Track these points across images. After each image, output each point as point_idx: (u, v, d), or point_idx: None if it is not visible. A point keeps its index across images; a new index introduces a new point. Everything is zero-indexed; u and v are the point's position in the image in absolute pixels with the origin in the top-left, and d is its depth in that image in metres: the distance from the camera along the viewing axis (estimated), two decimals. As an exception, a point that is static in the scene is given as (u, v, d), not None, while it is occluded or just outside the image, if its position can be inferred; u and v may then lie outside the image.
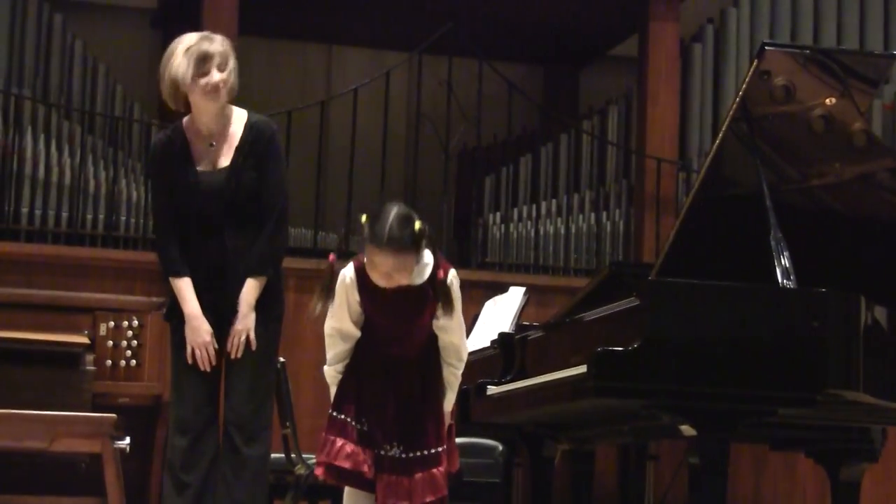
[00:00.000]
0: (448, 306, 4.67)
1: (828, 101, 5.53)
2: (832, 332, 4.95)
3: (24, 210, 7.94)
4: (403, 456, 4.64)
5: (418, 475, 4.63)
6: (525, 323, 6.11)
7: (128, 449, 6.11)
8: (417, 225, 4.61)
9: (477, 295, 7.17)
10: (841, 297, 5.00)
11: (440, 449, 4.67)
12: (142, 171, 8.16)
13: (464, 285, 7.97)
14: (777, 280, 5.18)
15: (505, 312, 6.84)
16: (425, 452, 4.66)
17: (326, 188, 8.52)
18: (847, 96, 5.52)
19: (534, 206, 8.77)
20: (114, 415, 6.24)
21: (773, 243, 5.27)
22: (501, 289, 7.45)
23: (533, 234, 8.65)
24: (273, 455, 6.29)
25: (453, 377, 4.78)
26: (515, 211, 8.78)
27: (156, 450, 7.22)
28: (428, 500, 4.64)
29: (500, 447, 5.35)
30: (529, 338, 5.88)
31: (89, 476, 6.77)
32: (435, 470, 4.65)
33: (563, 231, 8.73)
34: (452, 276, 4.75)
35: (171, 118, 8.37)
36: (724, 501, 4.94)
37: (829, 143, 5.59)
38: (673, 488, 6.29)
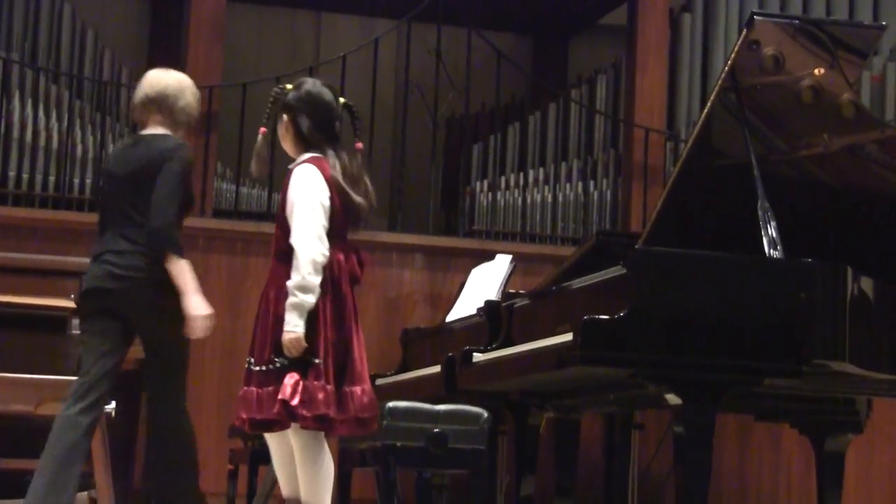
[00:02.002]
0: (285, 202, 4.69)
1: (817, 71, 5.53)
2: (819, 303, 4.96)
3: (11, 174, 7.93)
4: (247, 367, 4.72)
5: (243, 390, 4.69)
6: (511, 291, 6.11)
7: (113, 413, 6.10)
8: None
9: (464, 263, 7.19)
10: (828, 267, 5.02)
11: (258, 368, 4.66)
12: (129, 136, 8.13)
13: (451, 253, 8.06)
14: (764, 250, 5.19)
15: (491, 280, 6.85)
16: (254, 368, 4.67)
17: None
18: (836, 67, 5.52)
19: (521, 175, 8.77)
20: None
21: (760, 214, 5.27)
22: (488, 257, 7.47)
23: (520, 202, 8.65)
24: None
25: (289, 293, 4.66)
26: (503, 179, 8.77)
27: (141, 415, 7.22)
28: (241, 415, 4.66)
29: (486, 415, 5.36)
30: (516, 306, 5.89)
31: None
32: (250, 388, 4.66)
33: (550, 200, 8.73)
34: (302, 170, 4.76)
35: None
36: (708, 471, 4.95)
37: (818, 113, 5.60)
38: (658, 458, 6.32)
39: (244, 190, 8.48)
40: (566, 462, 6.17)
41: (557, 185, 8.77)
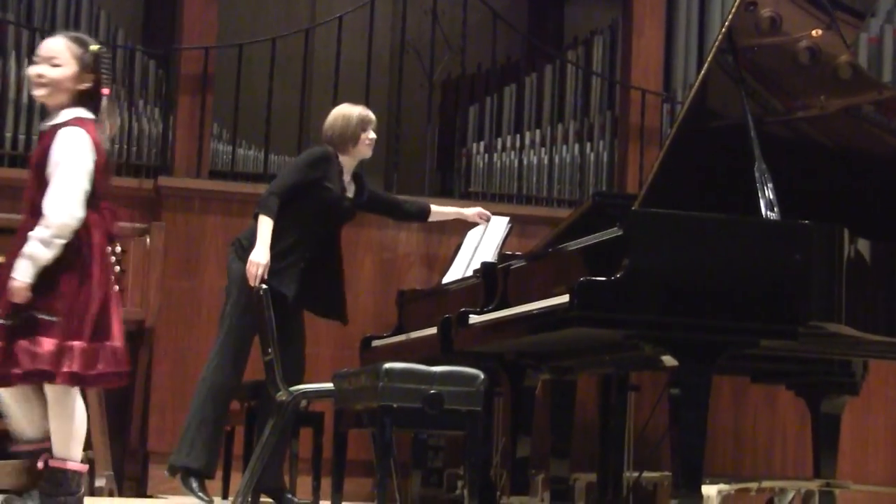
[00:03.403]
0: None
1: (814, 33, 5.52)
2: (815, 264, 4.97)
3: (8, 135, 7.91)
4: None
5: None
6: (508, 253, 6.11)
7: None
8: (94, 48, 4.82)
9: (459, 225, 7.18)
10: (824, 229, 5.02)
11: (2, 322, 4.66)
12: (125, 98, 8.13)
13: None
14: (761, 212, 5.19)
15: (488, 242, 6.84)
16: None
17: (310, 116, 8.47)
18: (833, 28, 5.51)
19: (518, 137, 8.75)
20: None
21: (757, 175, 5.28)
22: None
23: (517, 164, 8.64)
24: (254, 381, 6.35)
25: (29, 241, 4.69)
26: (499, 141, 8.76)
27: (138, 376, 7.23)
28: None
29: (482, 376, 5.36)
30: (512, 267, 5.89)
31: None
32: None
33: (546, 162, 8.72)
34: (70, 133, 4.75)
35: (157, 45, 8.35)
36: (704, 433, 4.96)
37: (815, 75, 5.59)
38: (653, 419, 6.32)
39: (240, 151, 8.46)
40: (562, 423, 6.19)
41: (554, 147, 8.76)
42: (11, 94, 7.94)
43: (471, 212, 7.04)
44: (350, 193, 6.57)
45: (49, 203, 4.69)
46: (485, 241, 6.87)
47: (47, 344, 4.64)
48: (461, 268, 6.81)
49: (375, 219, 7.52)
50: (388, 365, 5.35)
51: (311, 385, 5.98)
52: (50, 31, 8.11)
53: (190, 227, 7.67)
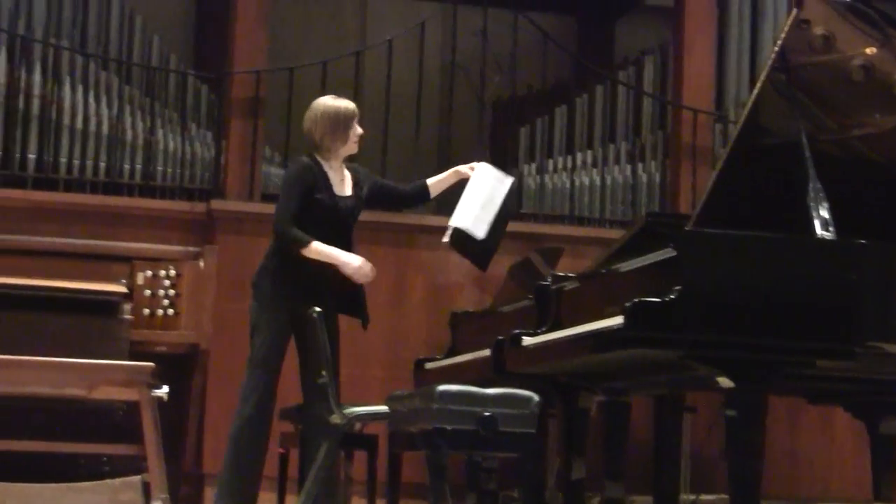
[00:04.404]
0: None
1: (868, 50, 5.48)
2: (870, 284, 4.93)
3: (63, 160, 7.98)
4: None
5: None
6: (561, 274, 6.09)
7: (166, 397, 6.13)
8: None
9: (511, 246, 7.16)
10: (879, 248, 4.98)
11: None
12: (178, 121, 8.18)
13: (498, 236, 8.04)
14: (815, 231, 5.15)
15: (493, 199, 6.55)
16: None
17: (361, 139, 8.49)
18: (887, 46, 5.47)
19: (569, 158, 8.74)
20: (151, 363, 6.27)
21: (811, 194, 5.24)
22: (536, 240, 7.46)
23: (568, 185, 8.62)
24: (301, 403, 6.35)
25: None
26: (550, 162, 8.75)
27: (192, 398, 7.26)
28: None
29: (535, 398, 5.35)
30: (565, 289, 5.87)
31: (126, 424, 6.81)
32: None
33: (598, 183, 8.70)
34: None
35: (207, 70, 8.39)
36: (760, 454, 4.93)
37: (869, 93, 5.55)
38: (709, 441, 6.29)
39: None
40: (616, 445, 6.16)
41: (605, 168, 8.74)
42: (66, 119, 8.00)
43: (465, 168, 6.58)
44: (347, 192, 6.27)
45: None
46: (490, 196, 6.58)
47: None
48: (467, 218, 6.50)
49: (426, 241, 7.53)
50: (441, 387, 5.35)
51: (365, 408, 5.98)
52: (104, 57, 8.19)
53: (242, 250, 7.69)
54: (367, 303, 6.26)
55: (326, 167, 6.20)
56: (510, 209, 6.59)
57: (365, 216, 7.04)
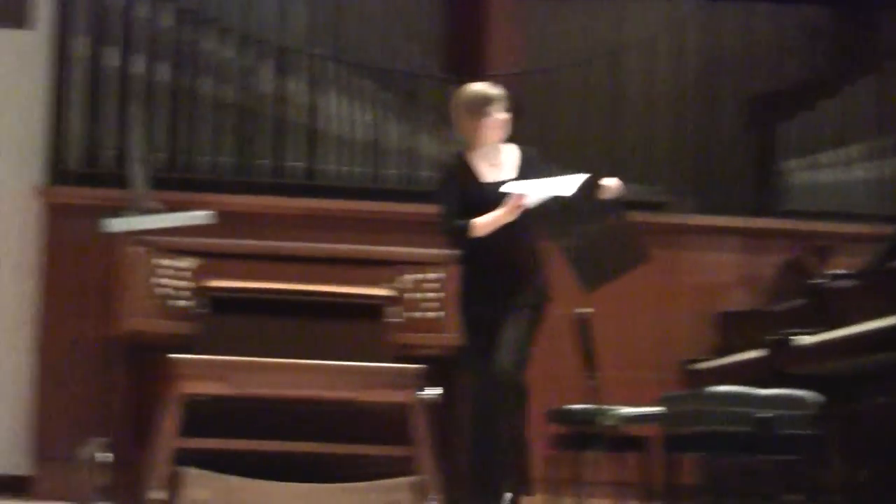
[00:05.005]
0: None
1: None
2: None
3: (326, 167, 8.11)
4: None
5: None
6: (837, 272, 5.93)
7: (437, 399, 6.17)
8: None
9: (780, 244, 7.03)
10: None
11: None
12: (437, 126, 8.25)
13: (765, 234, 7.89)
14: None
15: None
16: None
17: (620, 138, 8.43)
18: None
19: (838, 152, 8.49)
20: (422, 366, 6.31)
21: None
22: (805, 238, 7.29)
23: (837, 180, 8.37)
24: (577, 406, 6.33)
25: None
26: (817, 156, 8.52)
27: (460, 400, 7.28)
28: None
29: (814, 398, 5.21)
30: (841, 287, 5.71)
31: (396, 426, 6.87)
32: None
33: (869, 176, 8.42)
34: None
35: (461, 74, 8.43)
36: None
37: None
38: None
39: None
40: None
41: (878, 161, 8.45)
42: (327, 126, 8.14)
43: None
44: (501, 176, 5.93)
45: None
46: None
47: None
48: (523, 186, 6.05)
49: (693, 242, 7.43)
50: (715, 388, 5.26)
51: (637, 409, 5.93)
52: (363, 65, 8.31)
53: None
54: (544, 281, 5.93)
55: (472, 156, 6.00)
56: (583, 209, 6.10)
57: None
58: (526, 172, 5.91)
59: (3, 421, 8.11)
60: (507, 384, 5.65)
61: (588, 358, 5.88)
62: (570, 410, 6.39)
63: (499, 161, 5.98)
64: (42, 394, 7.70)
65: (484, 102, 5.89)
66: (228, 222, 7.22)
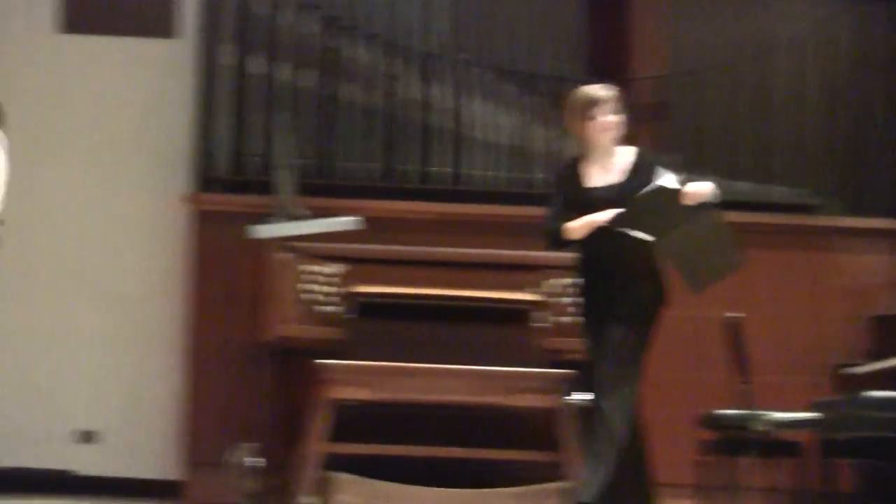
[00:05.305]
0: None
1: None
2: None
3: (471, 171, 8.11)
4: None
5: None
6: None
7: (586, 405, 6.12)
8: None
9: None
10: None
11: None
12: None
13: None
14: None
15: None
16: None
17: (771, 139, 8.32)
18: None
19: None
20: (568, 370, 6.28)
21: None
22: None
23: None
24: (730, 411, 6.25)
25: None
26: None
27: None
28: None
29: None
30: None
31: (543, 431, 6.85)
32: None
33: None
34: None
35: (608, 78, 8.37)
36: None
37: None
38: None
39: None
40: None
41: None
42: (472, 131, 8.14)
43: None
44: (609, 180, 5.85)
45: None
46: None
47: None
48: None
49: (844, 244, 7.32)
50: (870, 393, 5.16)
51: (790, 414, 5.84)
52: (511, 70, 8.29)
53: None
54: (657, 286, 5.83)
55: (585, 160, 5.95)
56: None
57: (771, 219, 6.93)
58: (639, 176, 5.80)
59: (155, 426, 8.24)
60: (606, 430, 5.59)
61: (740, 362, 5.80)
62: (722, 415, 6.31)
63: (611, 164, 5.88)
64: (192, 399, 7.79)
65: (590, 105, 5.82)
66: (374, 228, 7.27)
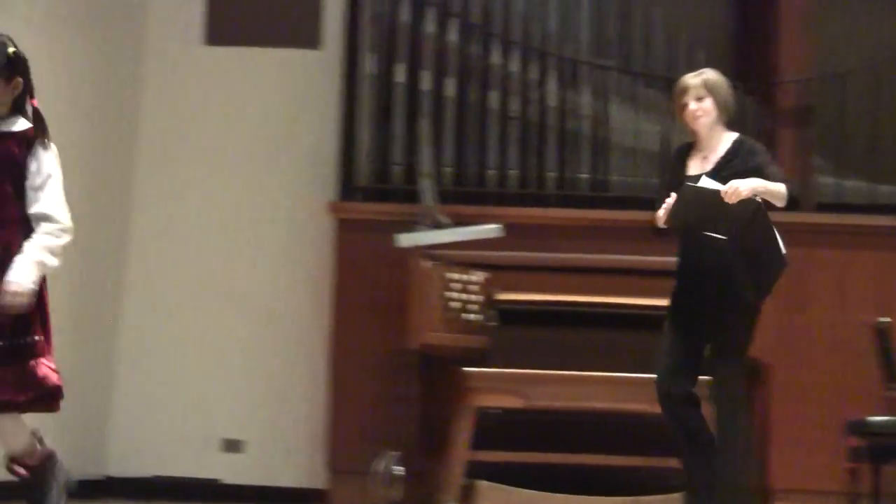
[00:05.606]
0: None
1: None
2: None
3: (612, 178, 8.08)
4: None
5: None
6: None
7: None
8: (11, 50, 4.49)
9: None
10: None
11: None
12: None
13: None
14: None
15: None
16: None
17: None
18: None
19: None
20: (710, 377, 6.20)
21: None
22: None
23: None
24: (878, 418, 6.14)
25: (37, 246, 4.52)
26: None
27: (755, 412, 7.14)
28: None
29: None
30: None
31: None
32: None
33: None
34: (51, 145, 4.61)
35: (749, 81, 8.29)
36: None
37: None
38: None
39: (847, 183, 8.20)
40: None
41: None
42: (615, 137, 8.10)
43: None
44: (706, 167, 5.76)
45: (58, 214, 4.60)
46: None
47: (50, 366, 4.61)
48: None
49: (871, 242, 7.19)
50: None
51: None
52: (650, 75, 8.24)
53: (798, 261, 7.51)
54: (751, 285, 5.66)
55: (695, 146, 5.90)
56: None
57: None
58: (730, 163, 5.72)
59: (299, 434, 8.32)
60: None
61: (888, 368, 5.69)
62: (869, 422, 6.20)
63: (712, 153, 5.82)
64: (335, 408, 7.84)
65: (680, 94, 5.85)
66: (516, 235, 7.27)
